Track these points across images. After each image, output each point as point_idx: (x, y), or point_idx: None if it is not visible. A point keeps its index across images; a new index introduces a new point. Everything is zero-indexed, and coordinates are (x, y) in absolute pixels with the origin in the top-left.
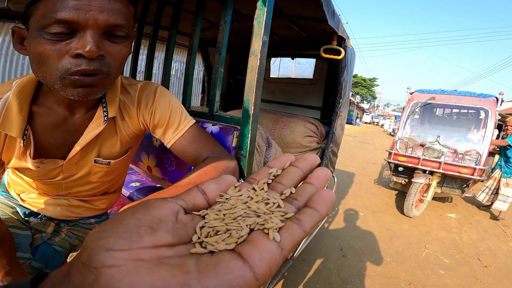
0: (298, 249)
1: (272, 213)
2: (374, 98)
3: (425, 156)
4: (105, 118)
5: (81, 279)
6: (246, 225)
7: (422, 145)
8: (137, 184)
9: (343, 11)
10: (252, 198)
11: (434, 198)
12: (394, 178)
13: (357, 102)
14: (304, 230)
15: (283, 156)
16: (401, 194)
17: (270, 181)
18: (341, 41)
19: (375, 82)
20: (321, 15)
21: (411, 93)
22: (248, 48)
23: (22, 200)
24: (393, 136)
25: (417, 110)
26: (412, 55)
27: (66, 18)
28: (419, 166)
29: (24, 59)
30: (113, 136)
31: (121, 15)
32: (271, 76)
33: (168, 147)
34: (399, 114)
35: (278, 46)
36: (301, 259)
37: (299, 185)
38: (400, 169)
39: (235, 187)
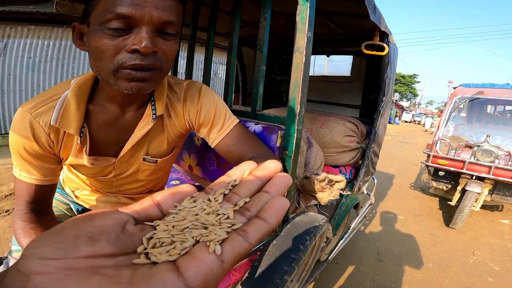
0: (333, 252)
1: (220, 225)
2: (415, 95)
3: (475, 159)
4: (154, 116)
5: (11, 283)
6: (192, 237)
7: (468, 146)
8: (177, 182)
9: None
10: (204, 210)
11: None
12: (434, 184)
13: (396, 100)
14: (249, 242)
15: (244, 163)
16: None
17: (227, 192)
18: (384, 36)
19: (415, 79)
20: (360, 11)
21: (454, 88)
22: (282, 46)
23: (76, 197)
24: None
25: (462, 106)
26: (457, 50)
27: (124, 13)
28: (464, 171)
29: (74, 62)
30: (161, 135)
31: (173, 12)
32: None
33: (212, 147)
34: None
35: (316, 44)
36: (334, 262)
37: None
38: (441, 173)
39: (192, 197)
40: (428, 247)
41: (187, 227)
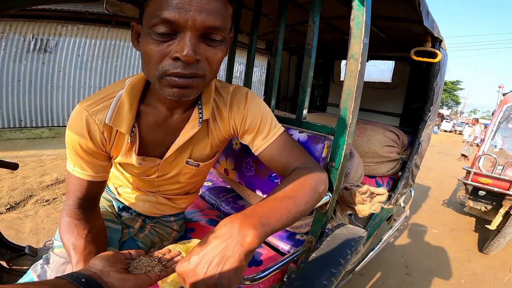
0: (361, 264)
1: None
2: (457, 103)
3: None
4: (200, 120)
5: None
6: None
7: None
8: (209, 183)
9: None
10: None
11: None
12: (471, 203)
13: None
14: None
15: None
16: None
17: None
18: (436, 42)
19: (458, 86)
20: (411, 15)
21: (503, 94)
22: (317, 50)
23: (118, 193)
24: (478, 146)
25: None
26: (506, 56)
27: (169, 18)
28: (511, 192)
29: (117, 61)
30: (205, 139)
31: (219, 16)
32: (342, 79)
33: (256, 154)
34: (489, 122)
35: None
36: (358, 272)
37: None
38: (481, 193)
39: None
40: (462, 263)
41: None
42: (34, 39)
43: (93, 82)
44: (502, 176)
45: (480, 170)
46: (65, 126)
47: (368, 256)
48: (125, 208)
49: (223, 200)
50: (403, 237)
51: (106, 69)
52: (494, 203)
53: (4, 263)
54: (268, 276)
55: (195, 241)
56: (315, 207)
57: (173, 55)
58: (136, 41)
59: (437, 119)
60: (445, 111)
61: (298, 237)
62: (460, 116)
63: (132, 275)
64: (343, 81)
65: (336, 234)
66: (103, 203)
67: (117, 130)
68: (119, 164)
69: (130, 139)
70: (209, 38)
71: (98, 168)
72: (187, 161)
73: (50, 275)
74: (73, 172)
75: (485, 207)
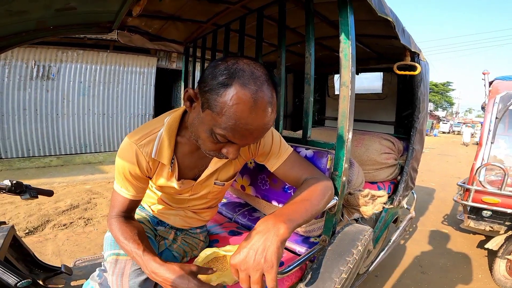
0: (373, 264)
1: None
2: (451, 104)
3: None
4: None
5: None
6: None
7: None
8: (225, 200)
9: (402, 12)
10: None
11: None
12: (471, 224)
13: (431, 110)
14: None
15: None
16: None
17: None
18: (414, 55)
19: (449, 87)
20: (389, 32)
21: (490, 83)
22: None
23: (152, 211)
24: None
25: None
26: (494, 54)
27: (233, 140)
28: None
29: (118, 86)
30: (230, 164)
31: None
32: (336, 93)
33: (272, 171)
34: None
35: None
36: (373, 275)
37: None
38: (487, 213)
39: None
40: (477, 259)
41: None
42: (36, 66)
43: (97, 108)
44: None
45: (483, 186)
46: (73, 154)
47: (380, 257)
48: (159, 223)
49: (239, 214)
50: (414, 239)
51: (108, 95)
52: (506, 223)
53: (41, 282)
54: (291, 272)
55: (230, 247)
56: (326, 208)
57: (223, 155)
58: (188, 103)
59: (434, 122)
60: (440, 113)
61: (312, 240)
62: (456, 116)
63: None
64: (337, 94)
65: (345, 231)
66: (141, 220)
67: (159, 162)
68: (160, 186)
69: (171, 168)
70: None
71: (139, 190)
72: (215, 182)
73: (111, 280)
74: (120, 192)
75: (491, 227)
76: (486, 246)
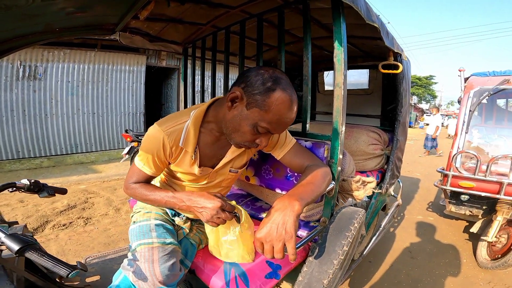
0: (366, 249)
1: None
2: (434, 97)
3: None
4: None
5: None
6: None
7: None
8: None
9: (383, 9)
10: None
11: None
12: (452, 208)
13: (415, 103)
14: None
15: None
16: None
17: None
18: (397, 55)
19: (432, 80)
20: (375, 34)
21: (465, 79)
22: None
23: None
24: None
25: (485, 102)
26: (473, 49)
27: (272, 131)
28: (502, 196)
29: (107, 85)
30: (244, 153)
31: None
32: (326, 89)
33: (278, 159)
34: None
35: (330, 61)
36: (367, 260)
37: None
38: (464, 197)
39: None
40: (461, 245)
41: None
42: (22, 66)
43: (86, 108)
44: (488, 178)
45: (459, 172)
46: (64, 155)
47: (372, 241)
48: (176, 214)
49: (243, 204)
50: (402, 227)
51: (97, 94)
52: (483, 207)
53: (57, 279)
54: (297, 250)
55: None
56: (325, 191)
57: (255, 144)
58: (230, 103)
59: (418, 114)
60: (424, 106)
61: (311, 224)
62: (439, 108)
63: None
64: (327, 90)
65: (342, 212)
66: (160, 212)
67: (183, 149)
68: (181, 172)
69: (194, 156)
70: None
71: (157, 169)
72: (230, 170)
73: (144, 267)
74: (142, 168)
75: (470, 211)
76: (471, 230)
